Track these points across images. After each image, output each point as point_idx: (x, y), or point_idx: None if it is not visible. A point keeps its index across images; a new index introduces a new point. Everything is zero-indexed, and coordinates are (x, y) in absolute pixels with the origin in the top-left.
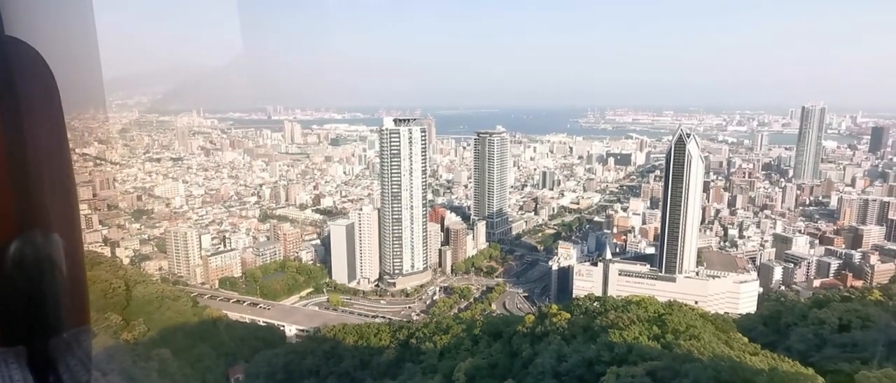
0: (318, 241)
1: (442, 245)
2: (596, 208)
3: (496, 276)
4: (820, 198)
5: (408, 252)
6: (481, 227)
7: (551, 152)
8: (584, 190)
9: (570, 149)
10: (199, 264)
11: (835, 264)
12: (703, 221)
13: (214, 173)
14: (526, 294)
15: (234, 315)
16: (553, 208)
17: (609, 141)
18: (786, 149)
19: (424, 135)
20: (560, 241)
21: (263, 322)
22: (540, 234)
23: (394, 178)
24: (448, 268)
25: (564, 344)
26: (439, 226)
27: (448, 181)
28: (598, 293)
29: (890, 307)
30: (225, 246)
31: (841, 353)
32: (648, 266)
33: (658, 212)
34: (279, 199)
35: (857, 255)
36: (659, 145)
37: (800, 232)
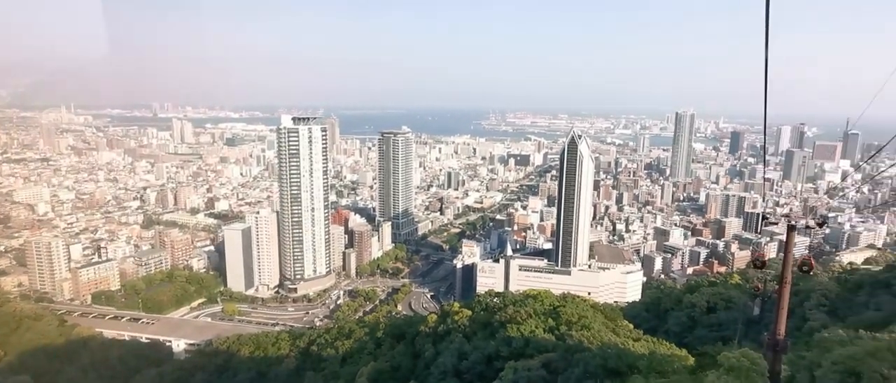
0: (212, 247)
1: (346, 247)
2: (498, 207)
3: (402, 277)
4: (692, 195)
5: (309, 255)
6: (387, 228)
7: (456, 153)
8: (487, 189)
9: (474, 150)
10: (67, 278)
11: (704, 253)
12: (594, 217)
13: (88, 176)
14: (432, 293)
15: (110, 332)
16: (458, 208)
17: (510, 142)
18: (664, 150)
19: (325, 135)
20: (464, 240)
21: (146, 338)
22: (445, 233)
23: (293, 180)
24: (353, 271)
25: (465, 342)
26: (343, 227)
27: (352, 182)
28: (500, 288)
29: (747, 289)
30: (100, 256)
31: (709, 332)
32: (546, 260)
33: (554, 210)
34: (166, 203)
35: (721, 244)
36: (555, 146)
37: (676, 225)
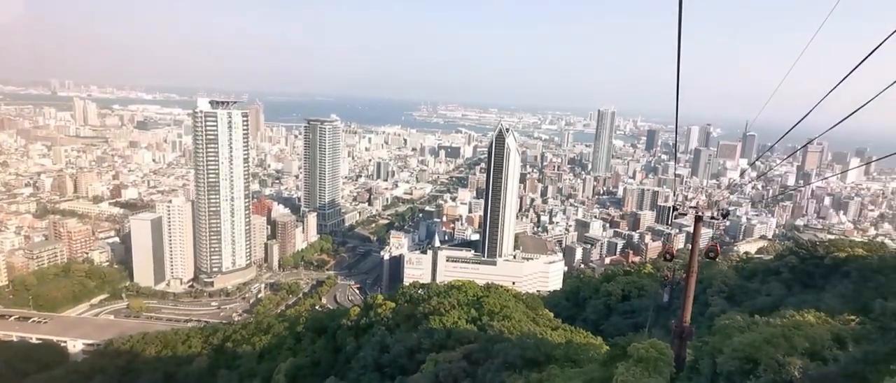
0: (117, 239)
1: (268, 238)
2: (428, 198)
3: (327, 269)
4: (611, 189)
5: (228, 247)
6: (312, 219)
7: (386, 143)
8: (418, 181)
9: (405, 140)
10: None
11: (620, 243)
12: (520, 209)
13: None
14: (358, 285)
15: None
16: (387, 199)
17: (441, 134)
18: (586, 146)
19: (247, 121)
20: (393, 231)
21: (37, 339)
22: (374, 225)
23: (211, 167)
24: (275, 263)
25: (388, 335)
26: (265, 218)
27: (277, 171)
28: (428, 280)
29: (658, 278)
30: None
31: (623, 319)
32: (473, 251)
33: (483, 202)
34: (65, 191)
35: (636, 236)
36: (485, 140)
37: (596, 217)
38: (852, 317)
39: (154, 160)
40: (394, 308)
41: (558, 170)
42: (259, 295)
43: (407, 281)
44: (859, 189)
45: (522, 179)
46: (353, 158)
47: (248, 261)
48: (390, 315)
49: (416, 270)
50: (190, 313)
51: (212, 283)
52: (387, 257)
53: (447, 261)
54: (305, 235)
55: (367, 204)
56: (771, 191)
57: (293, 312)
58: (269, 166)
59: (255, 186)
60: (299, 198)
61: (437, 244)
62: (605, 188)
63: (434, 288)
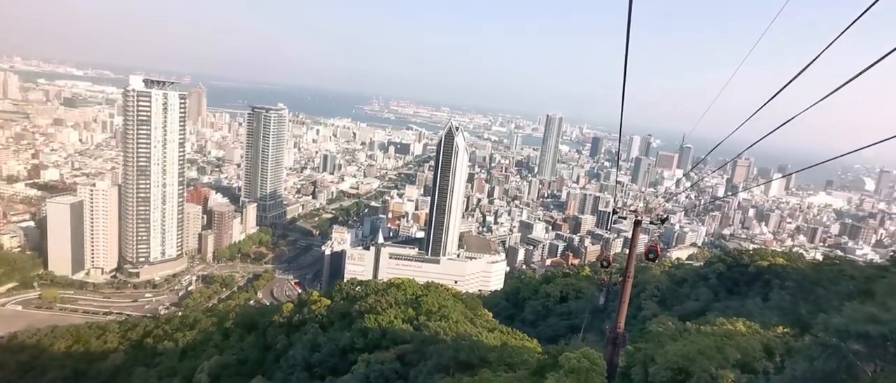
0: (32, 223)
1: (204, 228)
2: (374, 194)
3: (265, 262)
4: (555, 192)
5: (157, 236)
6: (252, 210)
7: (335, 136)
8: (365, 175)
9: (354, 134)
10: None
11: (561, 246)
12: (467, 208)
13: None
14: (297, 280)
15: None
16: (332, 192)
17: (391, 130)
18: (534, 149)
19: (184, 103)
20: (336, 226)
21: None
22: (317, 218)
23: (141, 150)
24: (210, 255)
25: (321, 333)
26: (201, 207)
27: (218, 158)
28: (370, 276)
29: (595, 280)
30: None
31: (560, 320)
32: (417, 249)
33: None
34: None
35: (577, 239)
36: (436, 138)
37: (539, 219)
38: (785, 329)
39: (81, 140)
40: (329, 305)
41: (506, 171)
42: (189, 288)
43: (348, 277)
44: (780, 202)
45: (470, 179)
46: (299, 149)
47: (180, 252)
48: (325, 312)
49: (358, 266)
50: (110, 305)
51: (137, 274)
52: (328, 252)
53: (390, 257)
54: (244, 226)
55: (310, 197)
56: (702, 202)
57: (223, 307)
58: (209, 153)
59: (192, 173)
60: (239, 188)
61: (381, 240)
62: (549, 191)
63: (372, 286)
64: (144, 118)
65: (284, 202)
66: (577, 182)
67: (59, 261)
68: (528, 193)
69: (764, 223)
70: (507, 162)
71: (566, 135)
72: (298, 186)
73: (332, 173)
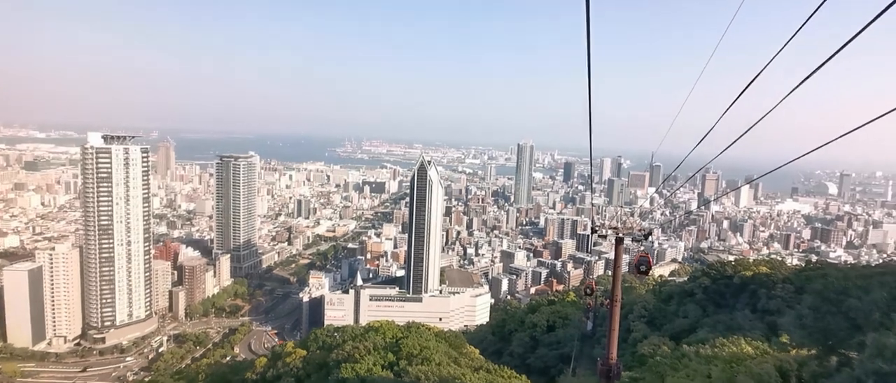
0: None
1: (174, 285)
2: (351, 235)
3: (242, 315)
4: (533, 219)
5: (123, 297)
6: (225, 262)
7: (309, 180)
8: (341, 217)
9: (328, 177)
10: None
11: (544, 272)
12: (446, 242)
13: None
14: (275, 331)
15: None
16: (308, 237)
17: (365, 169)
18: (508, 178)
19: (147, 157)
20: (313, 271)
21: None
22: (293, 265)
23: (103, 208)
24: (181, 312)
25: None
26: (171, 263)
27: (188, 212)
28: (351, 320)
29: (581, 305)
30: None
31: (549, 351)
32: (398, 288)
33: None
34: None
35: (558, 264)
36: (411, 174)
37: (520, 247)
38: (803, 350)
39: (43, 203)
40: (305, 356)
41: (482, 202)
42: (160, 350)
43: (328, 323)
44: (751, 212)
45: (448, 212)
46: (272, 196)
47: (148, 312)
48: (301, 364)
49: (338, 311)
50: (74, 376)
51: (103, 339)
52: (307, 299)
53: (370, 299)
54: (217, 279)
55: (286, 243)
56: (677, 217)
57: (195, 367)
58: (179, 207)
59: (162, 229)
60: (212, 240)
61: (360, 282)
62: (527, 219)
63: (350, 332)
64: (105, 175)
65: (259, 251)
66: (554, 207)
67: (18, 331)
68: (507, 222)
69: (739, 233)
70: (484, 193)
71: (539, 163)
72: (273, 233)
73: (308, 217)
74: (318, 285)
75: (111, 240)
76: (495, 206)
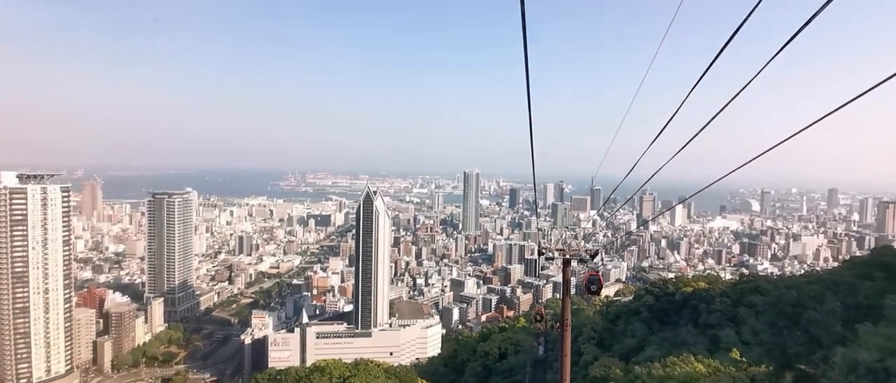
0: None
1: (99, 334)
2: (296, 271)
3: (177, 363)
4: (481, 246)
5: (40, 352)
6: (158, 306)
7: (250, 216)
8: (285, 253)
9: (271, 211)
10: None
11: (495, 299)
12: (396, 274)
13: None
14: (215, 377)
15: None
16: (251, 275)
17: (310, 203)
18: (456, 206)
19: (68, 197)
20: (256, 310)
21: None
22: (235, 305)
23: (17, 253)
24: (108, 364)
25: None
26: (96, 310)
27: (117, 254)
28: (297, 361)
29: (531, 330)
30: None
31: (502, 379)
32: (345, 324)
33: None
34: None
35: (508, 290)
36: (356, 206)
37: (469, 275)
38: (758, 367)
39: None
40: None
41: (431, 231)
42: None
43: (272, 364)
44: (686, 230)
45: (396, 243)
46: (211, 234)
47: (69, 366)
48: None
49: (283, 352)
50: None
51: None
52: (249, 341)
53: (317, 337)
54: (149, 326)
55: (227, 283)
56: (618, 238)
57: None
58: (107, 249)
59: (87, 273)
60: (144, 284)
61: (306, 320)
62: (476, 246)
63: (293, 374)
64: (19, 217)
65: (197, 292)
66: (501, 233)
67: None
68: (456, 250)
69: (676, 251)
70: (432, 221)
71: (485, 190)
72: (212, 273)
73: (250, 254)
74: (262, 325)
75: (26, 288)
76: (444, 235)
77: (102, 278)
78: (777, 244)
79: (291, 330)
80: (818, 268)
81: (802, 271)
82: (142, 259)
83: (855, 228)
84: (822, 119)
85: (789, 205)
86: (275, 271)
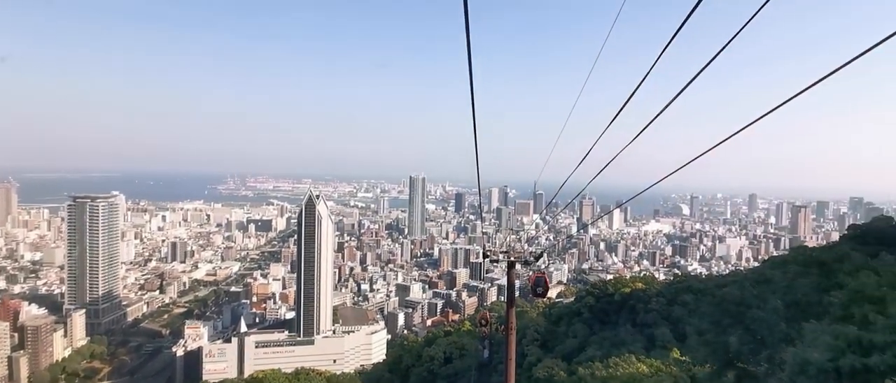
0: None
1: (14, 349)
2: (235, 278)
3: (100, 379)
4: (427, 250)
5: None
6: (79, 318)
7: (185, 221)
8: (223, 259)
9: (208, 216)
10: None
11: (440, 303)
12: (339, 279)
13: None
14: None
15: None
16: (185, 283)
17: (250, 207)
18: (401, 211)
19: None
20: (189, 321)
21: None
22: (166, 316)
23: None
24: (24, 381)
25: None
26: (10, 324)
27: (34, 262)
28: (234, 373)
29: (476, 334)
30: None
31: None
32: (287, 332)
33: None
34: None
35: (454, 294)
36: (299, 210)
37: (415, 280)
38: (698, 365)
39: None
40: None
41: (376, 236)
42: None
43: (207, 377)
44: (623, 233)
45: (340, 248)
46: (141, 240)
47: None
48: None
49: (219, 363)
50: None
51: None
52: (181, 353)
53: (256, 346)
54: (69, 339)
55: (157, 292)
56: (560, 241)
57: None
58: (22, 257)
59: None
60: (63, 294)
61: (244, 329)
62: (422, 250)
63: None
64: None
65: (123, 302)
66: (447, 238)
67: None
68: (402, 255)
69: (614, 253)
70: (377, 226)
71: (431, 195)
72: (142, 282)
73: (184, 262)
74: (196, 335)
75: None
76: (389, 239)
77: (17, 289)
78: (705, 246)
79: (228, 340)
80: (741, 267)
81: (727, 270)
82: (61, 268)
83: (772, 230)
84: (741, 131)
85: (715, 209)
86: (211, 278)
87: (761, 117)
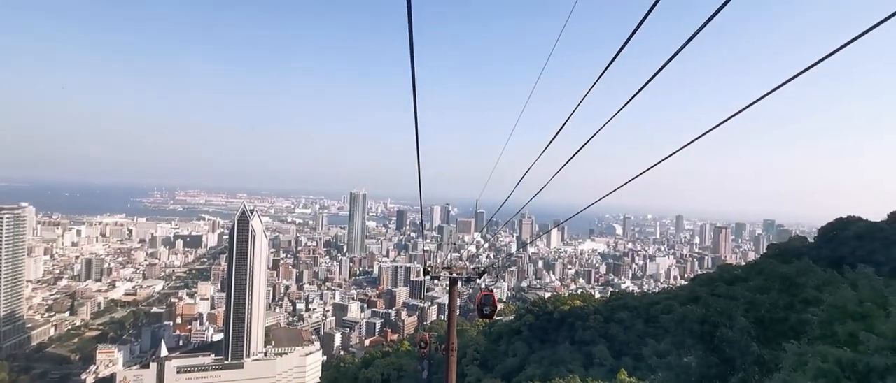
0: None
1: None
2: (158, 297)
3: None
4: (367, 268)
5: None
6: None
7: (103, 235)
8: (145, 277)
9: (130, 231)
10: None
11: (379, 323)
12: (274, 298)
13: None
14: None
15: None
16: (100, 303)
17: (178, 222)
18: (341, 228)
19: None
20: (103, 345)
21: None
22: (77, 339)
23: None
24: None
25: None
26: None
27: None
28: None
29: (415, 353)
30: None
31: None
32: (213, 355)
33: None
34: None
35: (393, 313)
36: (232, 225)
37: (353, 299)
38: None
39: None
40: None
41: (314, 253)
42: None
43: None
44: (560, 252)
45: (275, 266)
46: (52, 256)
47: None
48: None
49: None
50: None
51: None
52: (91, 380)
53: (178, 372)
54: None
55: (68, 313)
56: (500, 259)
57: None
58: None
59: None
60: None
61: (165, 352)
62: (361, 268)
63: None
64: None
65: (27, 325)
66: (387, 255)
67: None
68: (340, 273)
69: (551, 271)
70: (315, 243)
71: (372, 212)
72: (50, 302)
73: (100, 280)
74: (109, 361)
75: None
76: (328, 257)
77: None
78: (636, 264)
79: (146, 366)
80: (670, 285)
81: (658, 288)
82: None
83: (697, 250)
84: (669, 157)
85: (646, 229)
86: (130, 298)
87: (685, 146)
